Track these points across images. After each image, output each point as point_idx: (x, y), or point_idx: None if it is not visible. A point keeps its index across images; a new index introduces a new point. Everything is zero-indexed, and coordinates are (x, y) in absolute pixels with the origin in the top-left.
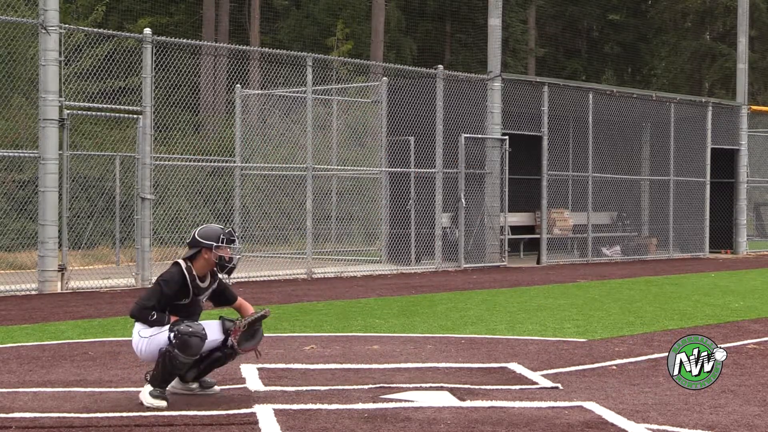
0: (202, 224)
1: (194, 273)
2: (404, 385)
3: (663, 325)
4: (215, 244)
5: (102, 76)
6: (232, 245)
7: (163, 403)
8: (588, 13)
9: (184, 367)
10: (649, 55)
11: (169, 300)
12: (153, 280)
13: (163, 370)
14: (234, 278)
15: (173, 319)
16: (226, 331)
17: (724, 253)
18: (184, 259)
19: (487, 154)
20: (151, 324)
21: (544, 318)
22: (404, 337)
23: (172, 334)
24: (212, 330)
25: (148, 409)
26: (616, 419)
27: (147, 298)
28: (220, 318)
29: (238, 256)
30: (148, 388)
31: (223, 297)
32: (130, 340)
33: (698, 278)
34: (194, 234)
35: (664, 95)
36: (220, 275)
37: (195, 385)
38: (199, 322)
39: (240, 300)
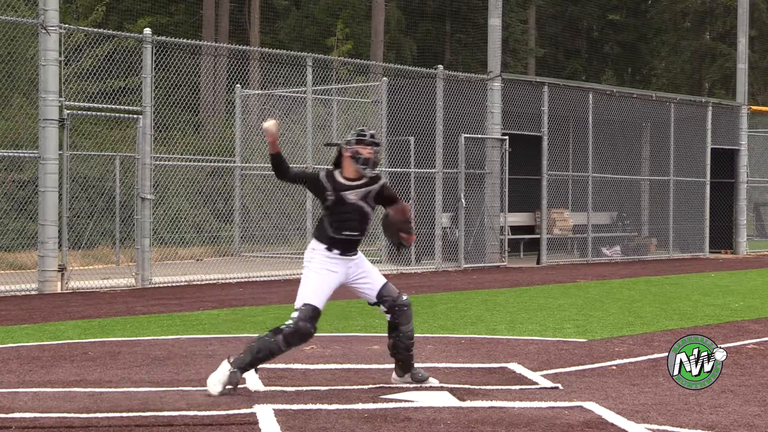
0: (202, 224)
1: (335, 173)
2: (404, 385)
3: (663, 325)
4: (347, 140)
5: (102, 76)
6: (364, 141)
7: (230, 387)
8: (588, 13)
9: (278, 353)
10: (649, 55)
11: (309, 184)
12: (153, 281)
13: (258, 356)
14: (234, 278)
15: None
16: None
17: (724, 253)
18: (334, 165)
19: (487, 154)
20: (280, 169)
21: (544, 318)
22: None
23: (296, 314)
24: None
25: (218, 387)
26: (616, 419)
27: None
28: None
29: (376, 153)
30: (228, 367)
31: (388, 201)
32: (130, 340)
33: (698, 278)
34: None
35: (664, 95)
36: (361, 171)
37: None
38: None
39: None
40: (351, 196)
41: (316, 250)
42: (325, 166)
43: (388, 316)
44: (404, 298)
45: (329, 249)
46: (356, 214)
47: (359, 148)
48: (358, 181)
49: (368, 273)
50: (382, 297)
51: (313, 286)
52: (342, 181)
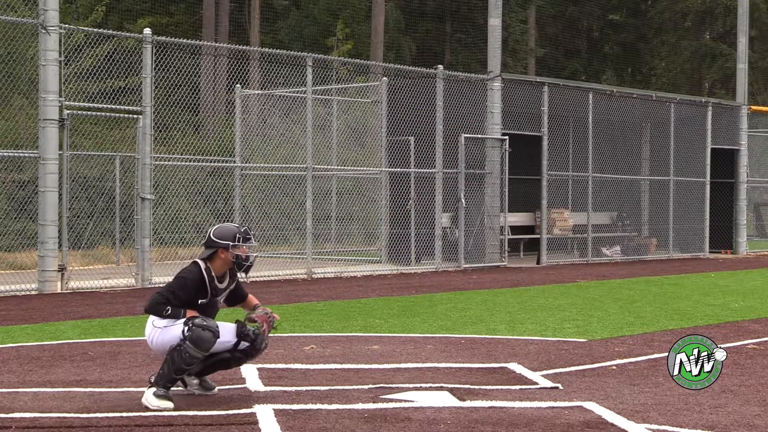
0: (203, 224)
1: (213, 274)
2: (404, 385)
3: (663, 325)
4: (231, 243)
5: (102, 76)
6: (248, 243)
7: (170, 404)
8: (588, 13)
9: (194, 362)
10: (649, 55)
11: (187, 299)
12: (153, 281)
13: (172, 366)
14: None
15: (190, 313)
16: (242, 335)
17: (724, 253)
18: (203, 260)
19: (487, 154)
20: (165, 317)
21: (544, 318)
22: (404, 337)
23: (186, 327)
24: (226, 331)
25: (155, 410)
26: (616, 419)
27: (162, 295)
28: (237, 322)
29: (255, 254)
30: (152, 389)
31: (237, 296)
32: (130, 340)
33: (698, 278)
34: (210, 234)
35: (664, 95)
36: (238, 274)
37: (196, 381)
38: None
39: (249, 296)
40: (221, 300)
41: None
42: (201, 260)
43: (246, 345)
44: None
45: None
46: (215, 311)
47: (240, 250)
48: (226, 282)
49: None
50: (240, 334)
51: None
52: (218, 285)
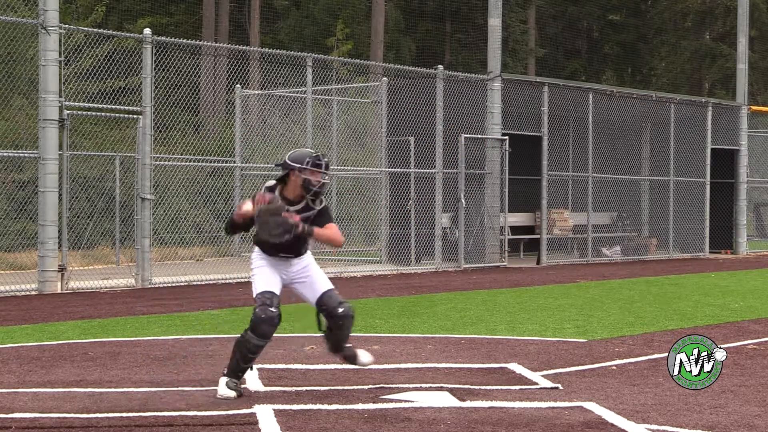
0: (203, 224)
1: (282, 194)
2: (404, 386)
3: (663, 325)
4: (300, 166)
5: (102, 76)
6: (319, 168)
7: (233, 394)
8: (588, 13)
9: (258, 350)
10: (649, 55)
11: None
12: (153, 281)
13: (238, 355)
14: (234, 278)
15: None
16: (322, 305)
17: (724, 253)
18: (278, 181)
19: (487, 154)
20: (228, 233)
21: (544, 318)
22: (404, 337)
23: (257, 309)
24: (318, 286)
25: (220, 399)
26: (616, 419)
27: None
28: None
29: (324, 180)
30: (225, 379)
31: (316, 224)
32: (130, 340)
33: (698, 278)
34: (285, 157)
35: (664, 95)
36: (306, 197)
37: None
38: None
39: (328, 227)
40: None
41: (254, 252)
42: (270, 182)
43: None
44: (340, 310)
45: (264, 251)
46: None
47: (309, 174)
48: (299, 204)
49: (311, 277)
50: (320, 305)
51: (258, 279)
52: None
